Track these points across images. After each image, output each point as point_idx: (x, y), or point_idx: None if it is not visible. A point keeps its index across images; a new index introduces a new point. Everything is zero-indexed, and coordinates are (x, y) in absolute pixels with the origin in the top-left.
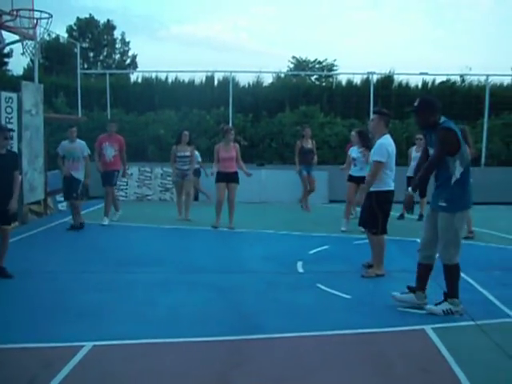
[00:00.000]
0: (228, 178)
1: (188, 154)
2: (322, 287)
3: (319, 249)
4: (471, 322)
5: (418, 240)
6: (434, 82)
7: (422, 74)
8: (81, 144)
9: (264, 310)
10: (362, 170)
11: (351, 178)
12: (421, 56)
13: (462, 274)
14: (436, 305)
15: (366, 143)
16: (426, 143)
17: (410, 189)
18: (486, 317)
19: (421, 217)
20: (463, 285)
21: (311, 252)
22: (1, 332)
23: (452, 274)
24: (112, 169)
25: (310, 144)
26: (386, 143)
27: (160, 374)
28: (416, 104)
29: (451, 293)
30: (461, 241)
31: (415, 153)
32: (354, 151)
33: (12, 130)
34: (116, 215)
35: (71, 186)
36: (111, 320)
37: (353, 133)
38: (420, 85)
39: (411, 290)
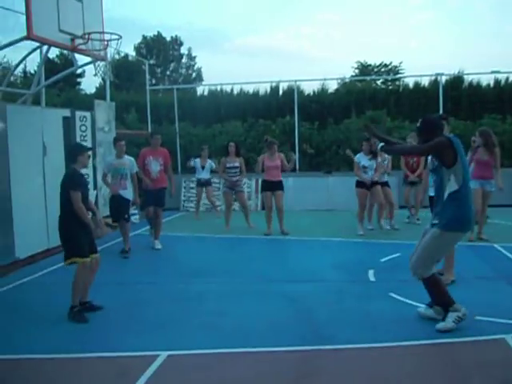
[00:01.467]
0: (274, 187)
1: (237, 164)
2: (395, 296)
3: (391, 256)
4: None
5: (495, 245)
6: (507, 80)
7: (493, 72)
8: (129, 160)
9: (335, 319)
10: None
11: (362, 185)
12: (491, 53)
13: None
14: (443, 320)
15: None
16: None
17: (381, 144)
18: None
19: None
20: None
21: (383, 260)
22: (78, 342)
23: (433, 285)
24: (160, 186)
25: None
26: None
27: None
28: (419, 125)
29: (447, 303)
30: (436, 258)
31: None
32: (363, 159)
33: (92, 148)
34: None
35: (120, 207)
36: (184, 330)
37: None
38: (492, 83)
39: (430, 305)
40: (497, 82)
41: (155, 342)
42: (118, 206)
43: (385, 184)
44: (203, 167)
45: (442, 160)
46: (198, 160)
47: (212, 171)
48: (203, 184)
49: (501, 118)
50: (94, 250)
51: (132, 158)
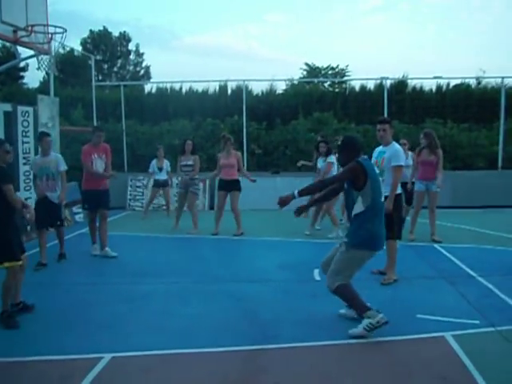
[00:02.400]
0: (229, 186)
1: (191, 162)
2: None
3: None
4: (491, 329)
5: (435, 245)
6: (448, 85)
7: (436, 77)
8: (55, 157)
9: (281, 319)
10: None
11: None
12: (434, 59)
13: (482, 279)
14: (358, 327)
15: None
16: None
17: (296, 191)
18: (507, 323)
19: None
20: (482, 290)
21: None
22: (20, 344)
23: (343, 294)
24: (106, 186)
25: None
26: (400, 148)
27: None
28: (339, 143)
29: (360, 310)
30: (347, 275)
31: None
32: (320, 161)
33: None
34: (98, 250)
35: (51, 212)
36: (129, 331)
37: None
38: (434, 88)
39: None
40: (439, 87)
41: (99, 344)
42: (48, 211)
43: None
44: (161, 169)
45: (352, 183)
46: (154, 162)
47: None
48: (161, 185)
49: (442, 122)
50: (23, 250)
51: (59, 155)
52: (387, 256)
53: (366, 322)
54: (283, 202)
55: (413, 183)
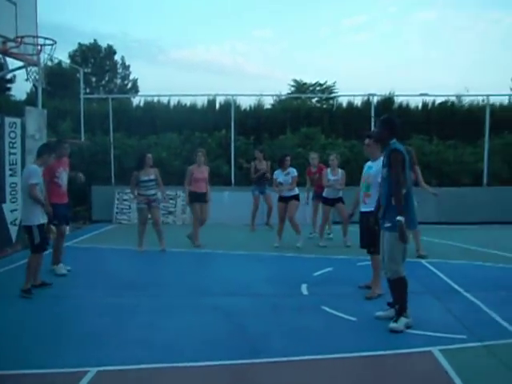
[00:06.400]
0: (202, 199)
1: (153, 177)
2: (327, 309)
3: (323, 271)
4: (478, 343)
5: (422, 261)
6: (434, 102)
7: (422, 95)
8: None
9: (269, 333)
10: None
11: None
12: (420, 77)
13: (468, 295)
14: (396, 322)
15: None
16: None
17: (398, 217)
18: (493, 337)
19: None
20: (470, 306)
21: (315, 274)
22: (3, 358)
23: (398, 287)
24: (67, 201)
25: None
26: None
27: None
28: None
29: (402, 308)
30: (401, 257)
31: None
32: (280, 175)
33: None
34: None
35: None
36: (115, 345)
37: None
38: (420, 106)
39: (392, 305)
40: (424, 104)
41: (84, 358)
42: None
43: (339, 200)
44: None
45: (391, 169)
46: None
47: None
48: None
49: (428, 138)
50: None
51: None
52: (372, 271)
53: (405, 320)
54: (404, 237)
55: None
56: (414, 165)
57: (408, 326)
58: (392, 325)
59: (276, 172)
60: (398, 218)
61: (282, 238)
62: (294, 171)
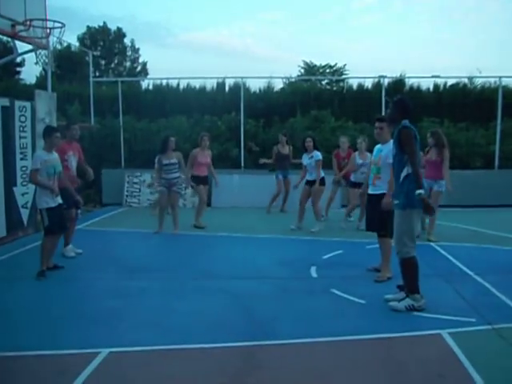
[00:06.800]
0: (205, 181)
1: (174, 161)
2: (337, 292)
3: (333, 253)
4: (488, 327)
5: (432, 244)
6: (445, 84)
7: (433, 76)
8: (56, 155)
9: (278, 315)
10: (312, 174)
11: (307, 182)
12: (432, 59)
13: (478, 278)
14: (399, 301)
15: None
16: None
17: (418, 191)
18: (503, 321)
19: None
20: (479, 288)
21: (325, 257)
22: (14, 339)
23: (408, 267)
24: (77, 185)
25: (286, 150)
26: None
27: (175, 381)
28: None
29: (411, 288)
30: (411, 235)
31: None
32: (305, 158)
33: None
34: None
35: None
36: (126, 327)
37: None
38: (432, 88)
39: (401, 288)
40: (436, 86)
41: (96, 339)
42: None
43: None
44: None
45: (402, 147)
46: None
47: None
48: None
49: (439, 121)
50: None
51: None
52: (381, 254)
53: (409, 301)
54: (432, 207)
55: None
56: (442, 147)
57: (414, 308)
58: (392, 303)
59: (303, 155)
60: (418, 191)
61: (302, 221)
62: (318, 155)
